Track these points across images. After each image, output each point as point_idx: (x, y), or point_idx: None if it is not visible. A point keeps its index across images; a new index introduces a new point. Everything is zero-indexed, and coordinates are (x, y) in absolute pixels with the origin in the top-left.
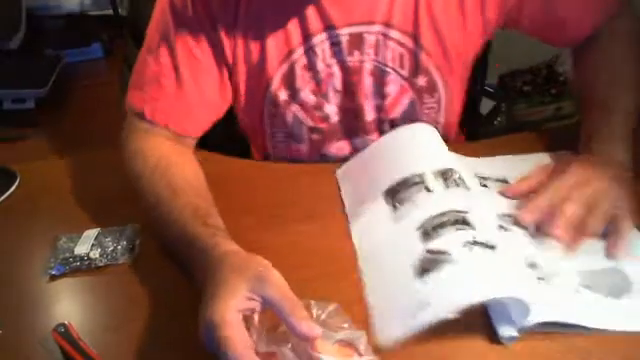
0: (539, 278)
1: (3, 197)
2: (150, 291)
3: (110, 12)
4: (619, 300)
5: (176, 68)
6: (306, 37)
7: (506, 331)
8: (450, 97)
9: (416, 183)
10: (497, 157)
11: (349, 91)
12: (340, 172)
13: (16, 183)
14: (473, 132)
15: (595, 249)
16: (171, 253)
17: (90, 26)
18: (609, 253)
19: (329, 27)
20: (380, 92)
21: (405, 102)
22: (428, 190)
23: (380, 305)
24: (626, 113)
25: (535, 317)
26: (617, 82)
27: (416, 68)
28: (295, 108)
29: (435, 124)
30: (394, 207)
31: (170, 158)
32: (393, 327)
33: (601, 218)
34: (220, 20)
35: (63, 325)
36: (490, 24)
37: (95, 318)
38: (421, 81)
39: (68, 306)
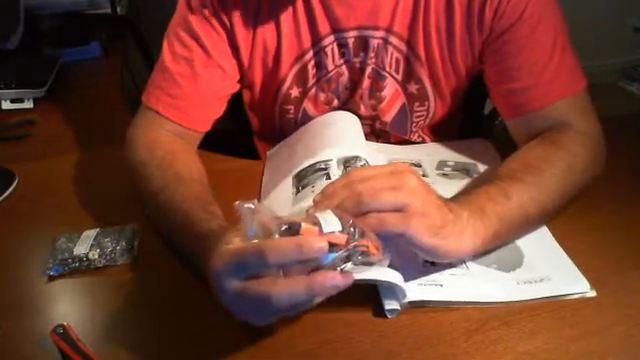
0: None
1: (2, 197)
2: (149, 292)
3: (108, 11)
4: (507, 274)
5: (192, 65)
6: (316, 39)
7: (390, 304)
8: (441, 110)
9: (321, 169)
10: (419, 145)
11: (352, 89)
12: (268, 155)
13: (15, 183)
14: (473, 132)
15: None
16: (170, 242)
17: (88, 25)
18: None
19: (336, 29)
20: (376, 95)
21: (397, 107)
22: (328, 177)
23: None
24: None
25: (421, 295)
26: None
27: (409, 74)
28: (305, 104)
29: (420, 131)
30: (297, 190)
31: (177, 153)
32: None
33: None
34: (239, 21)
35: (62, 326)
36: (476, 47)
37: (94, 319)
38: (412, 88)
39: (67, 307)
